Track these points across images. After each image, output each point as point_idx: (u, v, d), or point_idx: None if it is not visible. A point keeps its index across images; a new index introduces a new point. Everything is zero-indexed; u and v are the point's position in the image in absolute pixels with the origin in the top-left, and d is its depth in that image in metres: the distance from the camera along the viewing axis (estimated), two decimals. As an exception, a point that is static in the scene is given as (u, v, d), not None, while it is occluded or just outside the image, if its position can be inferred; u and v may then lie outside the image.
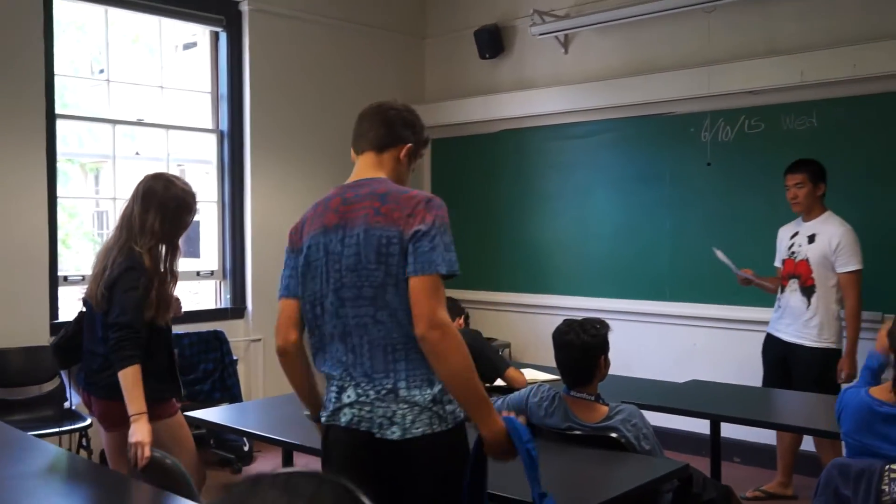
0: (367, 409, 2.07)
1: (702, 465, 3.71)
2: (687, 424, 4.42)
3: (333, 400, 2.14)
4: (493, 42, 6.11)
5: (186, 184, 3.07)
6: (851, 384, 2.53)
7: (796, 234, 4.25)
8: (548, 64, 5.95)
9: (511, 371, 3.72)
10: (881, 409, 2.33)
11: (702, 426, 4.01)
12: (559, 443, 2.73)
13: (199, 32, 5.71)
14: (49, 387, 4.57)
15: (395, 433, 2.03)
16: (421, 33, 6.70)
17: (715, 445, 3.73)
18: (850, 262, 4.07)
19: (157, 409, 2.78)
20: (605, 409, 2.74)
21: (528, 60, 6.08)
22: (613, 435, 2.66)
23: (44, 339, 4.63)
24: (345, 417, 2.10)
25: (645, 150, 5.47)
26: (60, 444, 4.07)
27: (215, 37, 5.59)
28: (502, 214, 6.24)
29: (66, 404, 4.56)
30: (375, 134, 2.24)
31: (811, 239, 4.16)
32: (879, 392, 2.37)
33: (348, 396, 2.11)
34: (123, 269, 2.82)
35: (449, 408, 2.08)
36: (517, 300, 6.12)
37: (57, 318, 4.77)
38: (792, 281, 4.20)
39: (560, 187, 5.91)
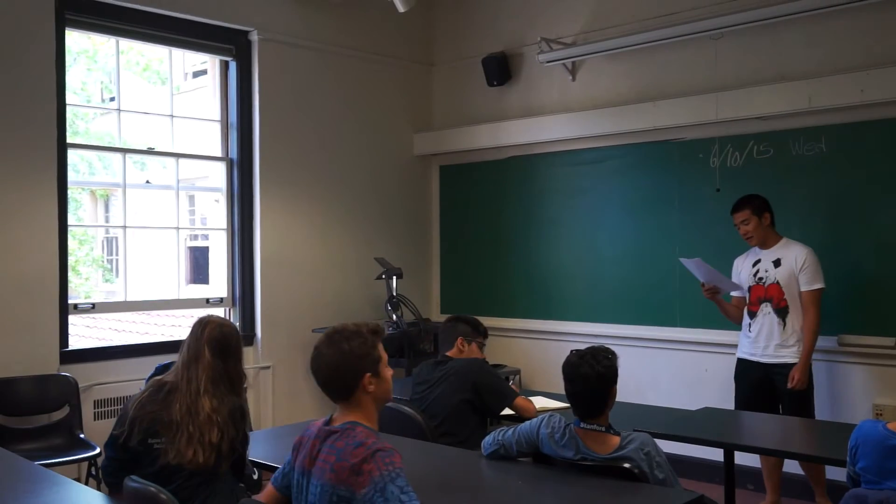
0: None
1: (715, 492, 3.68)
2: (699, 452, 4.39)
3: None
4: (500, 69, 6.14)
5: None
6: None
7: (758, 261, 4.39)
8: (555, 91, 5.97)
9: (520, 400, 3.70)
10: (901, 443, 2.29)
11: (714, 453, 3.98)
12: (572, 473, 2.70)
13: (209, 61, 5.75)
14: (58, 415, 4.55)
15: None
16: (429, 61, 6.74)
17: (729, 474, 3.69)
18: (814, 281, 4.26)
19: None
20: (616, 439, 2.71)
21: (535, 87, 6.10)
22: (626, 465, 2.63)
23: (53, 367, 4.64)
24: None
25: (654, 176, 5.47)
26: (71, 473, 4.05)
27: (225, 66, 5.63)
28: (511, 240, 6.24)
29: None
30: (335, 390, 2.29)
31: (777, 263, 4.32)
32: (897, 426, 2.34)
33: None
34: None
35: None
36: (526, 326, 6.10)
37: (67, 346, 4.78)
38: (764, 305, 4.34)
39: (569, 213, 5.91)
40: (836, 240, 4.66)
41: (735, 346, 4.87)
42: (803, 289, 4.26)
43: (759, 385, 4.34)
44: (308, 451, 2.29)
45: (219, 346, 2.82)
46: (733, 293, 4.53)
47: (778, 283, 4.29)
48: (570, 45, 5.76)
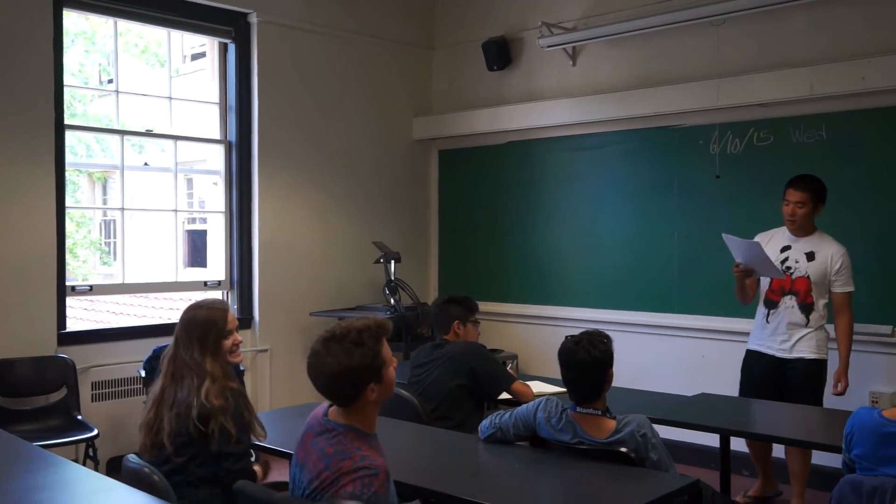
0: None
1: (711, 477, 3.70)
2: (696, 437, 4.40)
3: None
4: (501, 54, 6.12)
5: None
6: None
7: (787, 248, 4.22)
8: (556, 76, 5.95)
9: (517, 385, 3.71)
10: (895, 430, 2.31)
11: (711, 439, 3.99)
12: (569, 457, 2.71)
13: (208, 43, 5.73)
14: (56, 397, 4.56)
15: None
16: (429, 44, 6.71)
17: (725, 459, 3.70)
18: (848, 283, 4.13)
19: None
20: (612, 423, 2.72)
21: (536, 72, 6.08)
22: (623, 449, 2.64)
23: (51, 349, 4.64)
24: None
25: (653, 162, 5.46)
26: (69, 454, 4.06)
27: (224, 48, 5.60)
28: (510, 225, 6.24)
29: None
30: (335, 398, 2.20)
31: (810, 256, 4.15)
32: (893, 413, 2.35)
33: None
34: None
35: None
36: (525, 311, 6.11)
37: (64, 328, 4.78)
38: (788, 297, 4.17)
39: (568, 199, 5.90)
40: (835, 227, 4.63)
41: (732, 332, 4.88)
42: (838, 290, 4.10)
43: (769, 379, 4.19)
44: (303, 443, 2.24)
45: (181, 332, 2.79)
46: (768, 276, 4.26)
47: (808, 277, 4.11)
48: (570, 29, 5.74)
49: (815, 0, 4.64)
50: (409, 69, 6.58)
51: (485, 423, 2.99)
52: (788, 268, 4.20)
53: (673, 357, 5.35)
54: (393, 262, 5.78)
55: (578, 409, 2.74)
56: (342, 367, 2.12)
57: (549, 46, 5.74)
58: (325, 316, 5.79)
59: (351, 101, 6.14)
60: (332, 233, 6.03)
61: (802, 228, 4.20)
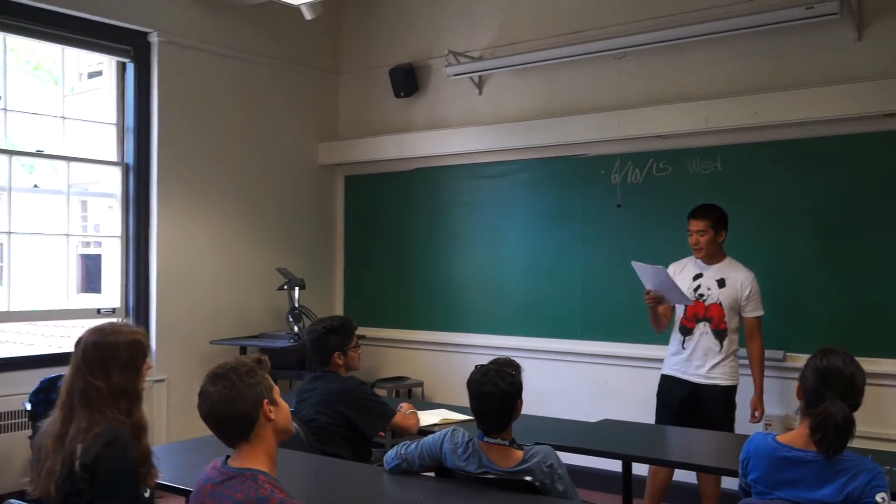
0: None
1: (614, 502, 3.73)
2: (599, 463, 4.44)
3: None
4: (408, 81, 6.13)
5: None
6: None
7: (699, 275, 4.30)
8: (462, 104, 6.00)
9: (398, 418, 3.59)
10: (789, 455, 2.37)
11: (613, 464, 4.03)
12: (475, 487, 2.68)
13: (105, 62, 5.53)
14: (-69, 433, 4.27)
15: None
16: (335, 70, 6.67)
17: (627, 484, 3.74)
18: (758, 308, 4.26)
19: None
20: (520, 453, 2.71)
21: (442, 100, 6.12)
22: (528, 478, 2.63)
23: (-73, 381, 4.35)
24: None
25: (557, 191, 5.55)
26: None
27: (122, 67, 5.43)
28: (416, 252, 6.22)
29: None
30: (233, 428, 2.10)
31: (721, 283, 4.24)
32: (786, 438, 2.42)
33: None
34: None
35: None
36: (430, 338, 6.08)
37: (-58, 359, 4.49)
38: (702, 324, 4.24)
39: (474, 226, 5.93)
40: (729, 254, 4.81)
41: (635, 358, 4.98)
42: (749, 315, 4.22)
43: (684, 403, 4.26)
44: (199, 497, 2.08)
45: (96, 358, 2.46)
46: (677, 304, 4.32)
47: (720, 304, 4.20)
48: (477, 59, 5.80)
49: (710, 37, 4.82)
50: (315, 94, 6.52)
51: (390, 453, 2.94)
52: (701, 295, 4.27)
53: (576, 383, 5.41)
54: (297, 288, 5.68)
55: (486, 439, 2.72)
56: (232, 386, 2.05)
57: (455, 75, 5.78)
58: (226, 344, 5.62)
59: (255, 124, 6.03)
60: (234, 258, 5.89)
61: (710, 256, 4.29)
